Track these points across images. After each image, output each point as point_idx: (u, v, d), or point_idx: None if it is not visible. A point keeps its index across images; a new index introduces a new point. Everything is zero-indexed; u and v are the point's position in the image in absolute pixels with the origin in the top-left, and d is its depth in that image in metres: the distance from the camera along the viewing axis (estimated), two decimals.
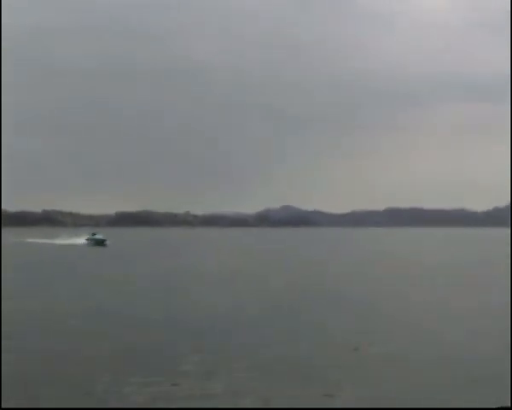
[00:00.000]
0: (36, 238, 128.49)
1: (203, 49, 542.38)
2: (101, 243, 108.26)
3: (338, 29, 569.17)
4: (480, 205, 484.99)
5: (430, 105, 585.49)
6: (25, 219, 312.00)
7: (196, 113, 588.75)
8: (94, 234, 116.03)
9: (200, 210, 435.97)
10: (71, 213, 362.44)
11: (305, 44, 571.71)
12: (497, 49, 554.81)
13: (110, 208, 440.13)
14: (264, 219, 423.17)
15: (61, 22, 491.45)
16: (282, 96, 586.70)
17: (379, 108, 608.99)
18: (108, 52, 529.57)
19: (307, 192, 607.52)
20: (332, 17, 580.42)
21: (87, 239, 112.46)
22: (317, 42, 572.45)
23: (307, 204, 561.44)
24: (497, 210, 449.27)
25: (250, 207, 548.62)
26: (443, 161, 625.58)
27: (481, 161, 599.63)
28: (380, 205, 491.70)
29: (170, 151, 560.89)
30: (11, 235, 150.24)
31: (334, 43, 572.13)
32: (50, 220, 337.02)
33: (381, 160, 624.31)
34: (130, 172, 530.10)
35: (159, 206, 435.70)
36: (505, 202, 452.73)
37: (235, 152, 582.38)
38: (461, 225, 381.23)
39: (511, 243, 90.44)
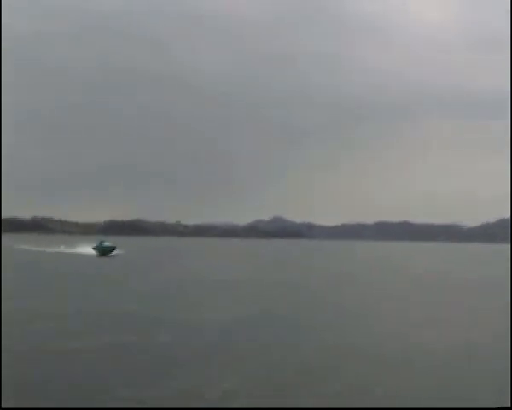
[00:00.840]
0: (34, 246, 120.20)
1: (202, 58, 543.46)
2: (110, 251, 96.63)
3: (337, 42, 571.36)
4: (469, 220, 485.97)
5: (422, 120, 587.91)
6: (12, 226, 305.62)
7: (190, 123, 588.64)
8: (102, 242, 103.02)
9: (190, 220, 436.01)
10: (60, 221, 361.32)
11: (304, 57, 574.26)
12: (495, 65, 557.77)
13: (99, 216, 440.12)
14: (255, 230, 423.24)
15: (63, 26, 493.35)
16: (276, 109, 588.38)
17: (374, 122, 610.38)
18: (107, 57, 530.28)
19: (298, 204, 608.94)
20: (331, 30, 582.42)
21: (94, 248, 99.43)
22: (316, 55, 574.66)
23: (298, 216, 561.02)
24: (486, 226, 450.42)
25: (241, 218, 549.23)
26: (433, 176, 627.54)
27: (471, 176, 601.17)
28: (370, 218, 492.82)
29: (161, 161, 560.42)
30: (6, 241, 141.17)
31: (333, 56, 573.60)
32: (39, 227, 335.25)
33: (372, 174, 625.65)
34: (120, 180, 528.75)
35: (149, 215, 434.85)
36: (495, 217, 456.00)
37: (227, 163, 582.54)
38: (449, 240, 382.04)
39: (511, 257, 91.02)
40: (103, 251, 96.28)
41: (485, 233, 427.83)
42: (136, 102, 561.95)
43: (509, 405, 12.60)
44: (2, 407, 12.13)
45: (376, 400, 13.28)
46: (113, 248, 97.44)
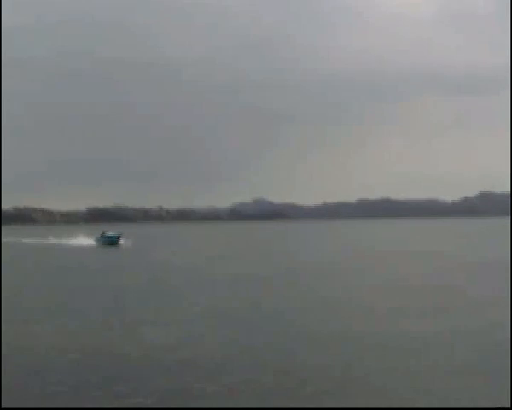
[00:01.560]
0: (30, 238, 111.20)
1: (178, 44, 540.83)
2: (114, 241, 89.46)
3: (311, 25, 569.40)
4: (449, 195, 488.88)
5: (403, 99, 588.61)
6: None
7: (170, 107, 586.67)
8: (104, 233, 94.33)
9: (172, 205, 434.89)
10: (42, 211, 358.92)
11: (279, 41, 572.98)
12: (470, 41, 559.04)
13: (81, 204, 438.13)
14: (237, 213, 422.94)
15: (39, 16, 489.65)
16: (255, 93, 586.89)
17: (353, 103, 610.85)
18: (88, 46, 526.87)
19: (279, 186, 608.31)
20: (306, 14, 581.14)
21: (99, 238, 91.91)
22: (291, 38, 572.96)
23: (279, 197, 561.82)
24: (467, 200, 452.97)
25: (222, 202, 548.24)
26: (414, 153, 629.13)
27: (451, 152, 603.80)
28: (352, 197, 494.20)
29: (141, 145, 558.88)
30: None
31: (307, 39, 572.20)
32: (22, 218, 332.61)
33: (352, 152, 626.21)
34: (101, 167, 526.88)
35: (130, 201, 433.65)
36: (475, 191, 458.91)
37: (208, 146, 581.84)
38: (431, 216, 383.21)
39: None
40: (109, 242, 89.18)
41: (466, 207, 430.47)
42: (113, 90, 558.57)
43: (509, 405, 12.49)
44: (3, 407, 12.10)
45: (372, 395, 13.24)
46: (119, 237, 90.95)
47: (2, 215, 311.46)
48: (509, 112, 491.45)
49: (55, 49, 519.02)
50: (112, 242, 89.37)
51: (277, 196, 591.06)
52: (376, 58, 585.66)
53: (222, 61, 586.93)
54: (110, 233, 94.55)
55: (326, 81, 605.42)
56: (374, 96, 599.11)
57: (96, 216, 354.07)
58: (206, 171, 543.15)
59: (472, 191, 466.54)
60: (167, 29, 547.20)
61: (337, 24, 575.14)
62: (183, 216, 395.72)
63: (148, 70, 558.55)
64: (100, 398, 13.26)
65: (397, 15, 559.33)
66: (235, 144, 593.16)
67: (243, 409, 12.71)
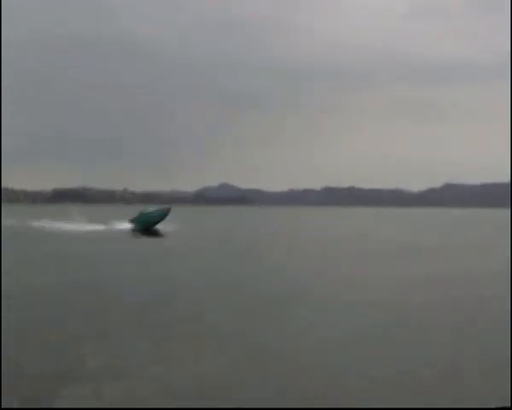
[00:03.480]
0: (40, 221, 79.32)
1: (148, 23, 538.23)
2: (155, 222, 66.73)
3: (279, 9, 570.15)
4: (415, 186, 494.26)
5: (374, 87, 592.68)
6: None
7: (137, 88, 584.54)
8: (144, 210, 69.48)
9: (137, 187, 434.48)
10: (7, 189, 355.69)
11: (251, 23, 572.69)
12: (440, 32, 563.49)
13: (46, 185, 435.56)
14: (202, 197, 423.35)
15: None
16: (224, 75, 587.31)
17: (321, 89, 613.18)
18: (52, 23, 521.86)
19: (245, 171, 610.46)
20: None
21: (133, 220, 67.65)
22: (262, 19, 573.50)
23: (246, 183, 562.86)
24: (432, 190, 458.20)
25: (188, 185, 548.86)
26: (379, 142, 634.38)
27: (417, 142, 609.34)
28: (317, 184, 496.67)
29: (108, 125, 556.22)
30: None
31: (278, 22, 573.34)
32: None
33: (319, 140, 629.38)
34: (67, 147, 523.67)
35: (95, 183, 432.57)
36: (440, 182, 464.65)
37: (174, 130, 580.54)
38: (396, 205, 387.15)
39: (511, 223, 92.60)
40: (148, 223, 66.56)
41: (431, 198, 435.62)
42: (80, 68, 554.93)
43: (509, 405, 12.09)
44: (2, 407, 11.75)
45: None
46: (163, 217, 67.25)
47: None
48: (476, 104, 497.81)
49: (22, 26, 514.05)
50: (151, 222, 67.02)
51: (244, 182, 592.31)
52: (346, 46, 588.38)
53: (189, 42, 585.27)
54: (152, 209, 70.73)
55: (295, 68, 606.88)
56: (343, 83, 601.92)
57: (60, 197, 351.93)
58: (171, 155, 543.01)
59: (437, 182, 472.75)
60: (133, 5, 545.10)
61: (312, 9, 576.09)
62: (149, 199, 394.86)
63: (114, 47, 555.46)
64: None
65: (370, 5, 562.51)
66: (202, 129, 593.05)
67: (244, 409, 12.20)
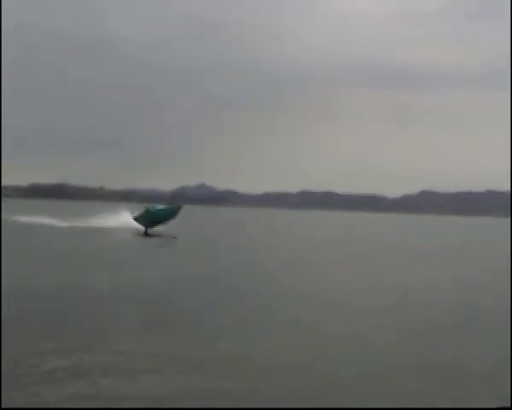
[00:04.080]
0: (37, 216, 73.29)
1: (132, 25, 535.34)
2: (163, 219, 61.65)
3: (257, 14, 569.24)
4: (390, 192, 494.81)
5: (347, 91, 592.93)
6: None
7: (117, 88, 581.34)
8: (153, 207, 63.54)
9: (114, 185, 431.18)
10: None
11: (224, 28, 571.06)
12: (415, 38, 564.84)
13: (22, 180, 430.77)
14: (180, 197, 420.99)
15: None
16: (202, 77, 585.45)
17: (298, 93, 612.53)
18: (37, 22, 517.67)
19: (223, 172, 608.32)
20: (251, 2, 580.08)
21: (138, 218, 62.78)
22: (235, 25, 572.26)
23: (223, 184, 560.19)
24: (408, 197, 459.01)
25: (165, 184, 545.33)
26: (357, 147, 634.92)
27: (393, 148, 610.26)
28: (294, 188, 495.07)
29: (87, 122, 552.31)
30: None
31: (253, 28, 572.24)
32: None
33: (296, 143, 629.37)
34: (43, 141, 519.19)
35: (74, 178, 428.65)
36: (416, 189, 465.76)
37: (151, 128, 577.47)
38: (373, 211, 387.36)
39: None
40: (155, 221, 61.40)
41: (407, 204, 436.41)
42: (60, 66, 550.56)
43: (509, 405, 12.52)
44: (3, 407, 11.97)
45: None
46: (178, 209, 62.42)
47: None
48: (449, 109, 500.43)
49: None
50: (155, 219, 61.60)
51: (221, 182, 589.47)
52: (324, 50, 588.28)
53: (170, 43, 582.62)
54: (159, 206, 64.44)
55: (272, 70, 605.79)
56: (326, 88, 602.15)
57: (37, 192, 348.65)
58: (149, 153, 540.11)
59: (414, 189, 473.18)
60: (114, 6, 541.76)
61: (299, 14, 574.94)
62: (126, 197, 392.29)
63: (94, 46, 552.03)
64: None
65: (356, 10, 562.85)
66: (178, 128, 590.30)
67: (244, 409, 12.49)
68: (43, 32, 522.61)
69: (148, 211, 62.27)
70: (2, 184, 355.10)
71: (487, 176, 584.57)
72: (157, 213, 61.69)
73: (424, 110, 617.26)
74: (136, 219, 62.93)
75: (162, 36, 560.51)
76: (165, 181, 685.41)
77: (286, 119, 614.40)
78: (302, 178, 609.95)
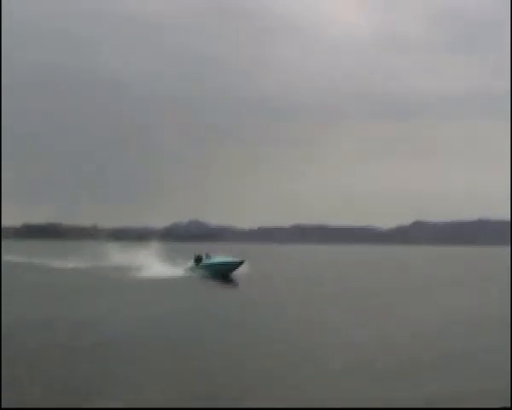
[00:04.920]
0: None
1: (114, 58, 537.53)
2: (228, 269, 54.45)
3: (254, 43, 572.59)
4: (384, 223, 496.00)
5: (340, 121, 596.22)
6: None
7: (104, 125, 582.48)
8: (207, 256, 56.71)
9: (106, 223, 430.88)
10: None
11: (221, 57, 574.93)
12: (399, 68, 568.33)
13: (16, 219, 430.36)
14: (172, 234, 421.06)
15: None
16: (193, 109, 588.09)
17: (292, 123, 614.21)
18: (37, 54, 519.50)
19: (215, 207, 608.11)
20: (249, 29, 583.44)
21: (193, 267, 56.65)
22: (233, 55, 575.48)
23: (216, 219, 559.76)
24: (401, 228, 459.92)
25: (157, 221, 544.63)
26: (349, 180, 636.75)
27: (385, 178, 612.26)
28: (286, 221, 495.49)
29: (77, 162, 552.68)
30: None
31: (251, 57, 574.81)
32: None
33: (289, 177, 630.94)
34: (37, 181, 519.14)
35: (64, 218, 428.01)
36: (409, 219, 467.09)
37: (143, 165, 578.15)
38: (366, 243, 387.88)
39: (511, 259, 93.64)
40: (215, 273, 53.92)
41: (400, 235, 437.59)
42: (43, 108, 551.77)
43: (509, 405, 12.68)
44: (3, 407, 12.00)
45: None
46: (239, 263, 54.81)
47: None
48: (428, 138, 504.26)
49: None
50: (223, 270, 54.39)
51: (213, 218, 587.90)
52: (316, 77, 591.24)
53: (164, 75, 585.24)
54: (219, 258, 56.77)
55: (263, 102, 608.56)
56: (314, 119, 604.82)
57: (30, 232, 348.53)
58: (140, 191, 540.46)
59: (407, 220, 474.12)
60: (111, 40, 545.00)
61: (284, 44, 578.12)
62: (118, 235, 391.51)
63: (88, 79, 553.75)
64: None
65: (331, 38, 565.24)
66: (173, 163, 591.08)
67: (244, 409, 12.67)
68: (38, 67, 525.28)
69: (206, 262, 56.22)
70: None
71: (479, 204, 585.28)
72: (222, 266, 54.81)
73: (412, 139, 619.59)
74: (193, 268, 56.45)
75: (148, 68, 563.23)
76: (157, 218, 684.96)
77: (278, 152, 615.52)
78: (295, 213, 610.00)
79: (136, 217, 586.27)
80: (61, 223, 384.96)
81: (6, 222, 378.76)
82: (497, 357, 18.29)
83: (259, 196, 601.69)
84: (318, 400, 13.56)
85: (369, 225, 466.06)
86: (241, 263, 54.17)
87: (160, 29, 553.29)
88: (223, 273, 53.37)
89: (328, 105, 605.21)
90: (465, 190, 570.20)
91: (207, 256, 56.48)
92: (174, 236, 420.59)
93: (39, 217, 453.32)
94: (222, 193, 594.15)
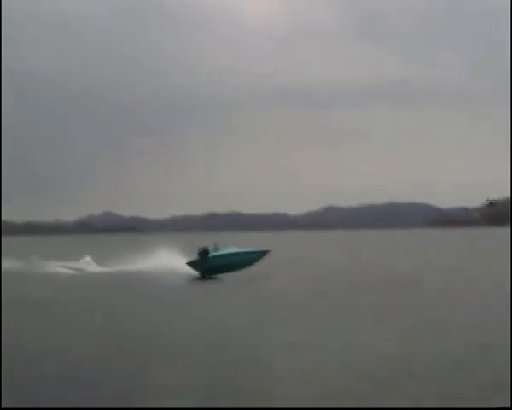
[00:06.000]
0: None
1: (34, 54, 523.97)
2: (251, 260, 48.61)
3: (157, 42, 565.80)
4: (297, 210, 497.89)
5: (257, 111, 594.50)
6: None
7: (22, 113, 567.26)
8: (216, 248, 49.15)
9: (17, 217, 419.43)
10: None
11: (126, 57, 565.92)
12: (321, 56, 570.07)
13: None
14: (86, 227, 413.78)
15: None
16: (108, 105, 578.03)
17: (203, 114, 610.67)
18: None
19: (127, 198, 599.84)
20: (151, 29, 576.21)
21: (197, 263, 49.01)
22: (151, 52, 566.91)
23: (128, 211, 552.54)
24: (312, 214, 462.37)
25: (70, 214, 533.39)
26: (259, 167, 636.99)
27: (300, 166, 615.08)
28: (200, 210, 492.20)
29: None
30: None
31: (155, 56, 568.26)
32: None
33: (201, 164, 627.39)
34: None
35: None
36: (320, 206, 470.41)
37: (53, 159, 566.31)
38: (277, 229, 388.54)
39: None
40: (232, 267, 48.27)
41: (311, 221, 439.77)
42: None
43: (509, 405, 13.38)
44: (2, 407, 12.33)
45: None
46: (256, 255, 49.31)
47: None
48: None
49: None
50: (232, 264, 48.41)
51: (126, 210, 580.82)
52: (231, 71, 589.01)
53: (76, 74, 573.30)
54: (228, 249, 50.22)
55: (175, 90, 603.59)
56: (226, 106, 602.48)
57: None
58: (50, 183, 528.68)
59: (319, 205, 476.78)
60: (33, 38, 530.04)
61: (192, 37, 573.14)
62: (30, 229, 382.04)
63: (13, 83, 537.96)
64: None
65: (251, 29, 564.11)
66: (81, 156, 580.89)
67: (245, 409, 12.97)
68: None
69: (205, 254, 49.45)
70: None
71: (390, 189, 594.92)
72: (221, 259, 48.79)
73: (322, 128, 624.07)
74: (197, 264, 49.48)
75: (70, 64, 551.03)
76: (69, 211, 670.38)
77: (192, 141, 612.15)
78: (207, 201, 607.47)
79: (46, 210, 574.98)
80: None
81: None
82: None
83: (171, 187, 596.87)
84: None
85: (283, 212, 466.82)
86: (265, 253, 49.47)
87: (79, 29, 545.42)
88: (239, 267, 48.25)
89: (238, 95, 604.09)
90: (376, 175, 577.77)
91: (216, 248, 49.52)
92: (88, 228, 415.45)
93: None
94: (134, 185, 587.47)
